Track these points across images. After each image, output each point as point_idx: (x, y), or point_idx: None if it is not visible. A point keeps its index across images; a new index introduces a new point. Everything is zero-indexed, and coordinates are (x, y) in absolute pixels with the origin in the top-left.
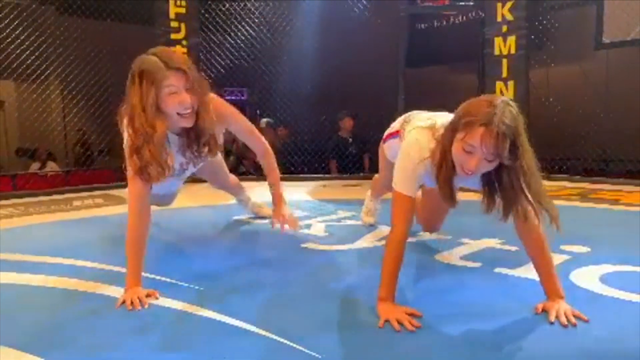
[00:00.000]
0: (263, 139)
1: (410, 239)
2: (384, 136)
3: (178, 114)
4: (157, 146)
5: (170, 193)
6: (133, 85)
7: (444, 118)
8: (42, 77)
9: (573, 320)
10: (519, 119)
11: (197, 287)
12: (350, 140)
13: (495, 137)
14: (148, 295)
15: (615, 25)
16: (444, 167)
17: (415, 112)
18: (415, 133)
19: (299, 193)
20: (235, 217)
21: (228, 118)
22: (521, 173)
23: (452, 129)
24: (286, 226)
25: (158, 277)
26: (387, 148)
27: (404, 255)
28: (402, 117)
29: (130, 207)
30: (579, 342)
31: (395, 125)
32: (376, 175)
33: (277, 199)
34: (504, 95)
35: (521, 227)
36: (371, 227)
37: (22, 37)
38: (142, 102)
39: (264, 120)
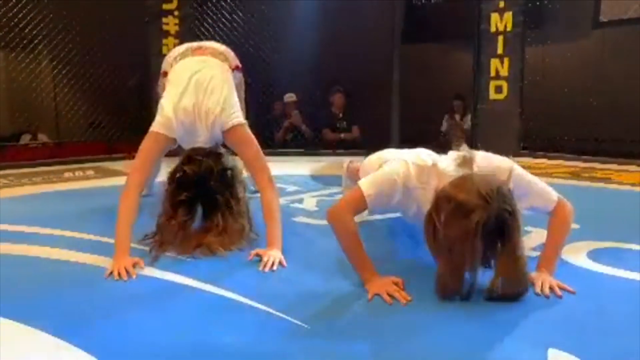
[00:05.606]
0: (268, 171)
1: (398, 215)
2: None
3: None
4: None
5: None
6: None
7: (442, 162)
8: (31, 46)
9: (558, 292)
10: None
11: (185, 259)
12: (341, 115)
13: None
14: (135, 264)
15: (612, 4)
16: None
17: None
18: (406, 164)
19: (290, 168)
20: None
21: (238, 145)
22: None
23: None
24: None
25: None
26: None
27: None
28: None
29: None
30: (565, 314)
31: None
32: (350, 164)
33: (274, 241)
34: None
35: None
36: None
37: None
38: None
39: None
